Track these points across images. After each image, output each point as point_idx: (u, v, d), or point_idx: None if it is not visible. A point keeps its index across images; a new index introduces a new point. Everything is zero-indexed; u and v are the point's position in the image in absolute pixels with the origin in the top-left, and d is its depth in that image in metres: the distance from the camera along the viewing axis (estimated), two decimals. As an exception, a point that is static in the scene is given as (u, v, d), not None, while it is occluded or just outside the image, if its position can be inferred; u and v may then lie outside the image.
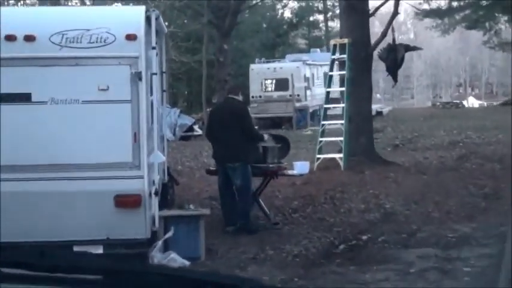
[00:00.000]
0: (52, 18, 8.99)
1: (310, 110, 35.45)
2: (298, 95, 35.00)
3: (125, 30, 8.53)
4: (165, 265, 8.01)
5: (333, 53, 17.69)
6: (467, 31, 50.64)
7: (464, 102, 54.26)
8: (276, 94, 34.99)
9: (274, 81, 35.45)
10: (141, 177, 8.57)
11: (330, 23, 46.53)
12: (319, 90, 36.48)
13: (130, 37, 8.50)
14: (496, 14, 38.04)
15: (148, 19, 8.92)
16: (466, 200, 13.78)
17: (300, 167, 12.40)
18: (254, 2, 38.62)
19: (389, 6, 18.71)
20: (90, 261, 1.67)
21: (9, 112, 8.42)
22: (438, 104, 52.41)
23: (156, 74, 9.38)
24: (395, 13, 17.13)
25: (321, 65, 37.88)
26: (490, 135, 25.23)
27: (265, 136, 11.99)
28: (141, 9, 8.99)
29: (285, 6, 44.21)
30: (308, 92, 35.88)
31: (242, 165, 11.09)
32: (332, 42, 18.54)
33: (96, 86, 8.51)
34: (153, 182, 8.96)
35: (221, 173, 11.48)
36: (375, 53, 17.45)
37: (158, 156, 9.41)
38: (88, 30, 8.49)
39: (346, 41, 16.94)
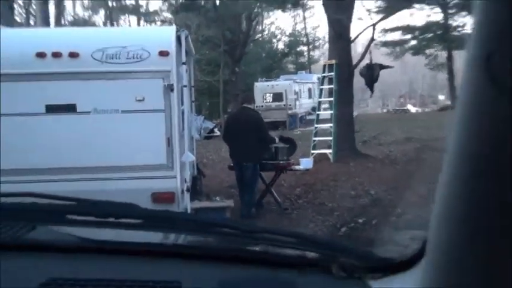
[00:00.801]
0: (93, 37, 7.27)
1: (299, 116, 34.03)
2: (290, 105, 33.55)
3: (158, 47, 6.89)
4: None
5: (323, 71, 16.10)
6: (407, 59, 49.54)
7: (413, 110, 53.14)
8: (273, 104, 33.52)
9: (272, 94, 33.96)
10: (174, 177, 7.02)
11: (311, 52, 45.72)
12: (304, 101, 35.68)
13: (163, 53, 6.87)
14: (435, 44, 36.72)
15: (178, 38, 7.21)
16: (434, 185, 12.07)
17: (305, 163, 10.76)
18: (257, 37, 37.79)
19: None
20: (134, 209, 1.53)
21: (57, 121, 6.82)
22: (391, 110, 50.96)
23: (186, 86, 7.73)
24: (372, 39, 15.48)
25: (305, 83, 36.88)
26: (434, 132, 23.43)
27: (276, 139, 10.32)
28: (172, 29, 7.32)
29: (279, 40, 42.89)
30: (297, 103, 34.46)
31: (253, 165, 9.63)
32: (323, 63, 16.88)
33: (133, 97, 6.90)
34: (185, 180, 7.35)
35: (237, 169, 9.92)
36: (356, 71, 15.73)
37: (189, 156, 7.86)
38: (125, 47, 6.83)
39: (333, 62, 15.30)
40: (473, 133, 0.71)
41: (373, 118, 40.50)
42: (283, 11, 30.85)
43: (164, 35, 7.17)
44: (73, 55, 6.78)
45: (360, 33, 15.89)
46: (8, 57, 6.69)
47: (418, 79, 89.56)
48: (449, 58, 37.48)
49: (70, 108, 6.81)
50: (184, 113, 7.73)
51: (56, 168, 6.73)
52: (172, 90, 6.88)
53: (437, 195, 0.83)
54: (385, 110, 57.01)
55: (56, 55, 6.77)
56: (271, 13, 36.78)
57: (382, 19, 16.44)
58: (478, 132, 0.69)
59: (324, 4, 15.15)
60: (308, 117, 34.38)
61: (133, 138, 6.87)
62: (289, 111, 33.39)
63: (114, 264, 1.29)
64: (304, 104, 35.48)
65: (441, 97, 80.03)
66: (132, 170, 6.87)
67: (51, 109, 6.78)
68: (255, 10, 31.55)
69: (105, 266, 1.28)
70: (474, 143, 0.71)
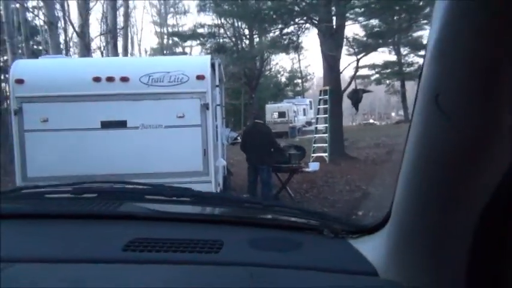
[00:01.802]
0: (141, 64, 5.86)
1: (297, 128, 32.32)
2: (290, 120, 31.92)
3: (196, 72, 5.47)
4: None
5: (320, 95, 14.58)
6: (370, 87, 47.92)
7: (375, 123, 51.19)
8: (279, 120, 31.83)
9: (278, 113, 32.30)
10: (210, 181, 5.64)
11: (304, 84, 44.48)
12: (300, 118, 34.08)
13: (200, 77, 5.44)
14: (392, 77, 35.31)
15: (213, 65, 5.77)
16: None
17: (313, 166, 9.25)
18: (266, 73, 36.48)
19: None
20: (188, 191, 1.49)
21: (110, 135, 5.36)
22: (361, 123, 49.07)
23: (219, 105, 6.25)
24: (357, 70, 13.95)
25: (301, 105, 35.22)
26: (395, 139, 21.67)
27: (286, 147, 8.82)
28: (207, 57, 5.86)
29: (281, 75, 41.62)
30: (295, 118, 32.79)
31: (267, 167, 8.06)
32: (320, 89, 15.31)
33: (175, 115, 5.49)
34: (218, 184, 5.92)
35: (252, 172, 8.28)
36: (345, 95, 14.20)
37: (221, 161, 6.52)
38: (168, 72, 5.43)
39: (328, 87, 13.78)
40: (427, 144, 0.69)
41: (348, 129, 38.71)
42: (287, 54, 29.46)
43: (201, 62, 5.74)
44: (124, 79, 5.40)
45: (347, 66, 14.44)
46: (70, 81, 5.32)
47: (376, 101, 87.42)
48: (403, 86, 36.14)
49: (121, 124, 5.41)
50: (218, 126, 6.30)
51: (109, 175, 5.32)
52: (208, 108, 5.46)
53: (399, 180, 0.81)
54: (354, 123, 54.99)
55: (110, 79, 5.38)
56: (277, 56, 35.39)
57: (362, 56, 14.90)
58: (431, 143, 0.67)
59: (320, 44, 13.68)
60: (303, 129, 33.04)
61: (175, 149, 5.45)
62: (290, 125, 31.73)
63: (176, 228, 1.24)
64: (301, 120, 33.95)
65: (393, 114, 78.24)
66: (174, 175, 5.44)
67: (106, 125, 5.38)
68: (266, 54, 30.20)
69: (171, 229, 1.23)
70: (427, 151, 0.69)
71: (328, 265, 1.01)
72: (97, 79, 5.34)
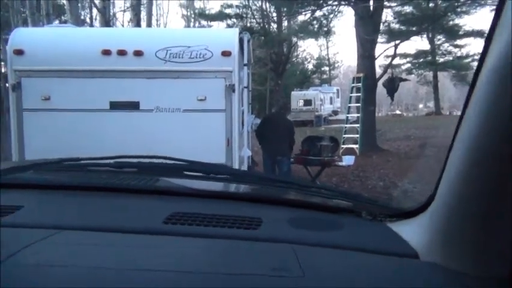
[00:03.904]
0: (158, 37, 4.99)
1: (323, 117, 31.26)
2: (316, 108, 30.85)
3: (221, 47, 4.59)
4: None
5: (353, 82, 13.49)
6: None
7: (403, 114, 49.51)
8: (304, 108, 30.88)
9: (303, 100, 31.24)
10: None
11: (332, 71, 43.09)
12: (327, 106, 33.02)
13: (226, 53, 4.56)
14: (424, 67, 33.77)
15: (241, 40, 4.87)
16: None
17: (348, 160, 8.28)
18: (293, 59, 35.33)
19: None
20: (225, 168, 1.66)
21: (121, 118, 4.57)
22: (389, 114, 47.44)
23: (247, 87, 5.35)
24: (395, 55, 12.83)
25: (327, 93, 34.05)
26: (427, 132, 20.30)
27: (318, 138, 7.94)
28: (235, 30, 4.94)
29: (308, 62, 40.39)
30: (322, 107, 31.73)
31: (287, 158, 7.21)
32: (352, 76, 14.21)
33: (195, 97, 4.64)
34: (243, 178, 4.96)
35: (269, 162, 7.23)
36: (379, 83, 13.09)
37: (247, 152, 5.94)
38: (189, 47, 4.58)
39: (361, 75, 12.72)
40: (488, 125, 0.63)
41: (376, 119, 37.27)
42: (316, 39, 28.26)
43: (227, 35, 4.84)
44: (137, 53, 4.58)
45: (382, 52, 13.27)
46: (76, 53, 4.54)
47: (404, 92, 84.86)
48: (435, 77, 34.47)
49: (133, 106, 4.61)
50: (244, 112, 5.43)
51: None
52: (233, 90, 4.61)
53: (449, 161, 0.75)
54: (380, 114, 53.19)
55: (121, 53, 4.57)
56: (304, 42, 34.15)
57: (400, 43, 13.72)
58: (495, 124, 0.62)
59: (356, 27, 12.58)
60: (329, 118, 31.98)
61: (194, 138, 4.62)
62: (316, 113, 30.70)
63: (214, 205, 1.22)
64: (327, 108, 32.88)
65: (420, 105, 76.13)
66: (192, 168, 4.60)
67: (115, 106, 4.59)
68: (294, 39, 29.02)
69: (208, 205, 1.21)
70: (488, 132, 0.64)
71: (368, 246, 0.98)
72: (107, 52, 4.55)
